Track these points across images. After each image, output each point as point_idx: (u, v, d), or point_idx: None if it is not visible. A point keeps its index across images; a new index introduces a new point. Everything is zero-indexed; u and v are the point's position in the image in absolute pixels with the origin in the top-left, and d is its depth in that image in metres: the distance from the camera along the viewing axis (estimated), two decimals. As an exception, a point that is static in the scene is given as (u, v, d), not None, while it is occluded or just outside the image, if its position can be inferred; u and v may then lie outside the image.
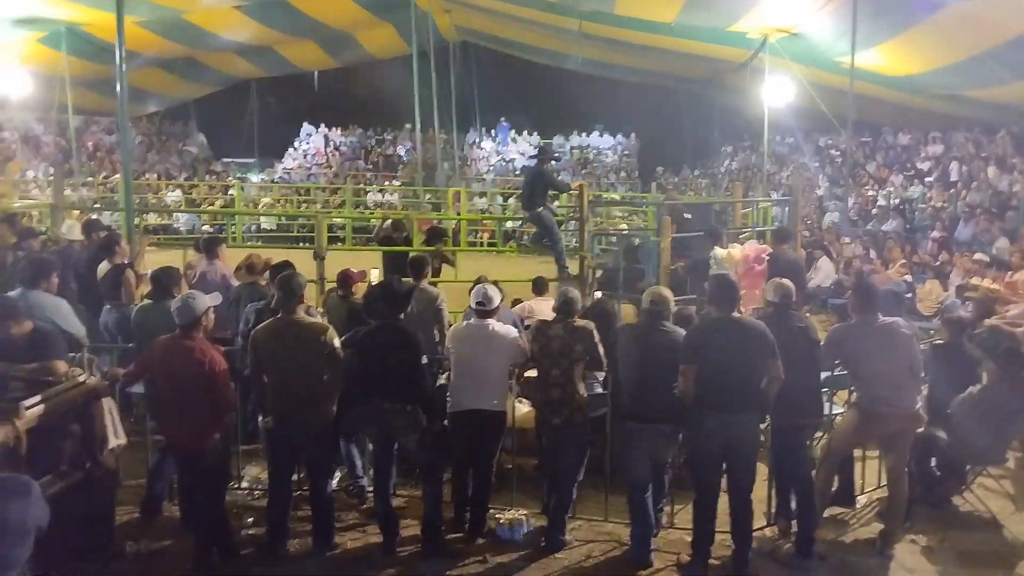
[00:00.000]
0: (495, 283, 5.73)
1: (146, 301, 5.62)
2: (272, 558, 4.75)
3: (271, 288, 5.85)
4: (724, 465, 4.67)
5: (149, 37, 16.64)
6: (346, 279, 6.18)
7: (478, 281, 6.09)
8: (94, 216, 9.95)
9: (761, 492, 5.13)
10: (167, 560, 4.71)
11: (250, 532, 5.07)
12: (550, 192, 9.57)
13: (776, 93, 15.13)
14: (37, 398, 3.90)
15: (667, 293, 4.97)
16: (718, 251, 8.25)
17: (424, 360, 4.86)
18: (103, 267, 6.68)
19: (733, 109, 21.79)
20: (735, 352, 4.48)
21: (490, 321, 5.10)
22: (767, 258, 8.01)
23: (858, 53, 12.03)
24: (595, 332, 4.92)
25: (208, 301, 4.58)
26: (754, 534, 4.84)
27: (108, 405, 4.52)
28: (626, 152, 26.97)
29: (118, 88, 8.60)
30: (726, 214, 11.25)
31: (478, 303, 5.09)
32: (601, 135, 27.75)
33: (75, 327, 5.38)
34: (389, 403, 4.73)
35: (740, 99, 19.00)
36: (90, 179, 19.98)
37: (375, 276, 6.52)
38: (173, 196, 20.59)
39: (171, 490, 5.29)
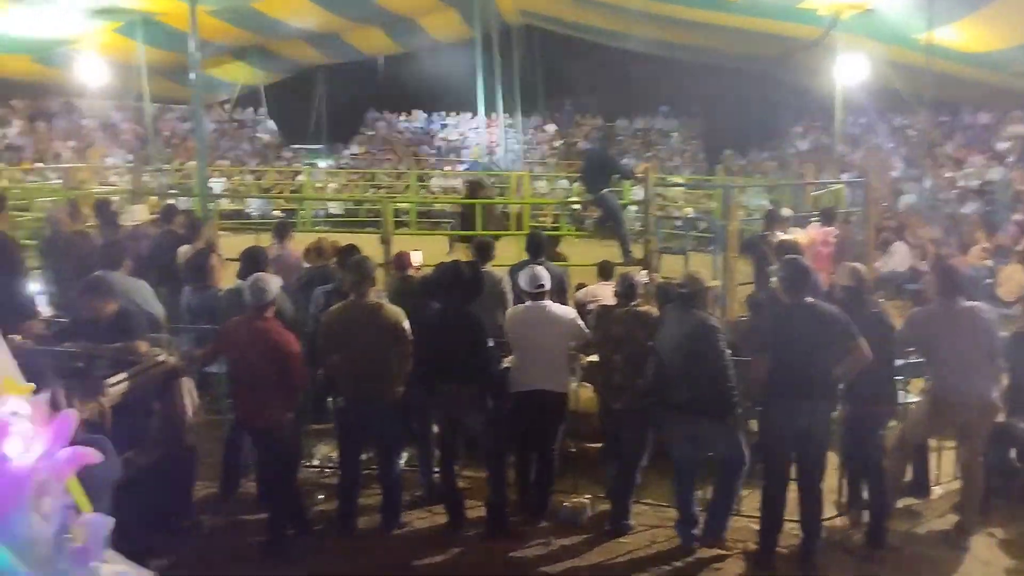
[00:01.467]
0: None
1: (238, 281, 5.76)
2: (342, 534, 4.88)
3: (338, 271, 5.98)
4: (793, 454, 4.59)
5: (220, 25, 17.04)
6: (402, 261, 6.26)
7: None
8: (170, 201, 10.25)
9: (832, 481, 5.03)
10: (243, 534, 4.88)
11: (321, 509, 5.22)
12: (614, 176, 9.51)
13: (849, 72, 14.63)
14: (121, 376, 4.07)
15: (701, 275, 4.88)
16: (781, 236, 8.05)
17: (490, 343, 4.91)
18: (185, 250, 6.86)
19: (803, 89, 21.15)
20: (808, 339, 4.38)
21: (547, 302, 5.13)
22: (834, 240, 7.82)
23: (935, 29, 11.54)
24: (658, 318, 4.88)
25: (278, 283, 4.70)
26: (824, 524, 4.76)
27: (187, 384, 4.70)
28: (691, 134, 26.48)
29: (192, 76, 8.86)
30: (796, 197, 10.97)
31: (537, 286, 5.10)
32: (666, 117, 27.31)
33: (155, 308, 5.59)
34: (455, 386, 4.79)
35: (811, 78, 18.44)
36: (166, 166, 20.62)
37: (417, 258, 6.58)
38: (217, 182, 21.06)
39: (248, 466, 5.47)
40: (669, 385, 4.69)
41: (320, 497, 5.38)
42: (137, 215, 8.04)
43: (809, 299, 4.51)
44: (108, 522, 2.05)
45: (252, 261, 5.56)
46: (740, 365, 4.76)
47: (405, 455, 5.52)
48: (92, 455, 2.05)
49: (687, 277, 4.84)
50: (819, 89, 17.67)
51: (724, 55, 21.58)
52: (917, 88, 13.30)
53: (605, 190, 9.10)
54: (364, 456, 5.22)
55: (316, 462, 5.86)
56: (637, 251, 8.95)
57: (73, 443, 2.63)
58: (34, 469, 1.90)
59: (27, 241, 7.47)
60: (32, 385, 2.00)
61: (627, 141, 25.36)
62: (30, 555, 1.82)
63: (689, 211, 15.03)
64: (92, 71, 17.73)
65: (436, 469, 5.43)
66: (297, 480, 4.97)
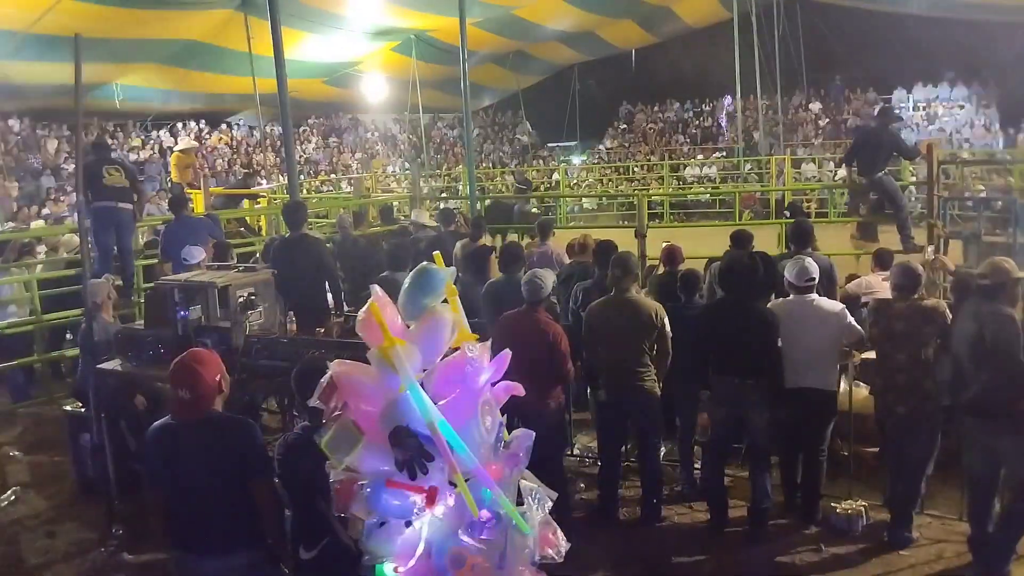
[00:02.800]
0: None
1: (500, 275, 6.12)
2: (603, 524, 5.00)
3: (595, 267, 6.11)
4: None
5: (484, 36, 18.11)
6: (673, 256, 6.19)
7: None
8: (447, 205, 11.09)
9: None
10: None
11: (582, 497, 5.39)
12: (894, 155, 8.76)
13: None
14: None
15: (1007, 264, 4.23)
16: None
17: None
18: (464, 245, 7.38)
19: None
20: None
21: (813, 296, 4.86)
22: None
23: None
24: (948, 313, 4.43)
25: (552, 279, 4.94)
26: None
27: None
28: (984, 102, 23.43)
29: (462, 86, 9.50)
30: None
31: (807, 280, 4.85)
32: (952, 85, 24.42)
33: (435, 304, 6.09)
34: (742, 380, 4.70)
35: None
36: (437, 171, 22.32)
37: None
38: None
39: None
40: (964, 389, 4.23)
41: (581, 486, 5.54)
42: (422, 218, 8.83)
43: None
44: (531, 436, 2.69)
45: (511, 257, 5.85)
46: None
47: (663, 449, 5.53)
48: (520, 388, 2.72)
49: (990, 266, 4.26)
50: None
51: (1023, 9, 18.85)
52: None
53: (882, 172, 8.39)
54: (623, 448, 5.30)
55: (576, 451, 6.05)
56: (919, 237, 8.15)
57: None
58: (481, 392, 2.55)
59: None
60: (477, 336, 2.68)
61: (906, 114, 23.04)
62: (478, 455, 2.47)
63: (981, 189, 13.37)
64: (374, 88, 19.69)
65: (696, 465, 5.38)
66: (563, 467, 5.15)
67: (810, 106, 24.97)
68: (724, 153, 22.98)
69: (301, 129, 22.67)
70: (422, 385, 2.44)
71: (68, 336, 8.21)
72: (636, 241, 8.35)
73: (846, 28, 23.14)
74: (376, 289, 2.62)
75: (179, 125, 19.15)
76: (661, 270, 6.42)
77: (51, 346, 8.06)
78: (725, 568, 4.56)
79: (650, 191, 19.55)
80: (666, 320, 4.81)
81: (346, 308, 6.59)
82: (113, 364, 4.99)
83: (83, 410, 5.43)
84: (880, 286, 6.07)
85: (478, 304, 6.45)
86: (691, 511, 5.15)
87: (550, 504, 2.63)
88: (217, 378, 3.12)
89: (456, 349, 2.58)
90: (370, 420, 2.44)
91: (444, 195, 18.08)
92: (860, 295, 6.19)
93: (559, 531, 2.67)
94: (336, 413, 2.52)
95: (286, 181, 9.71)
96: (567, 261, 7.05)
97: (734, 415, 4.81)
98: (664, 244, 6.36)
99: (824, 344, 4.80)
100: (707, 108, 26.69)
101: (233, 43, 14.13)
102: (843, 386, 5.13)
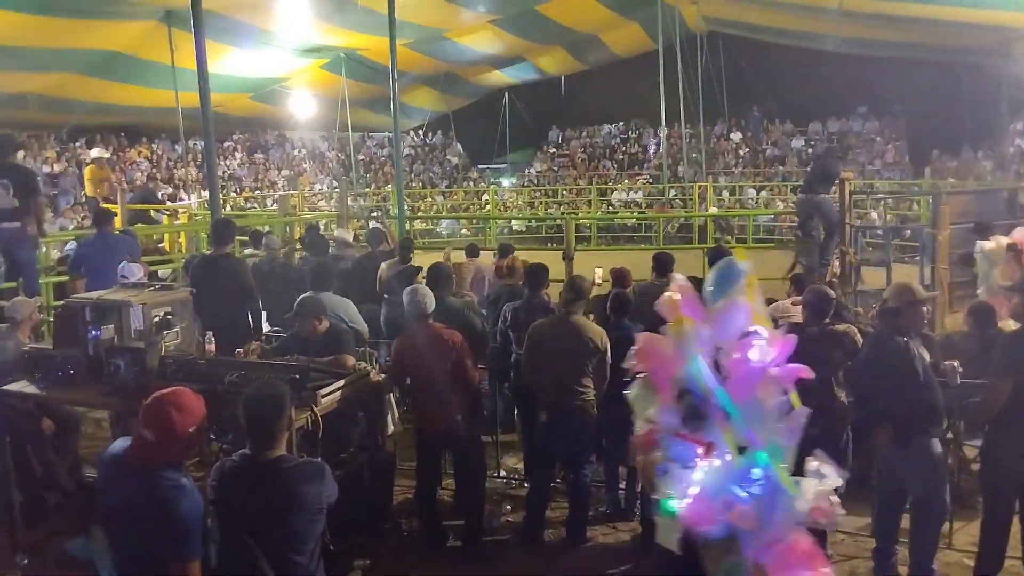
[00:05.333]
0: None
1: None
2: (529, 545, 4.98)
3: (525, 289, 6.15)
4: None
5: (415, 57, 18.11)
6: (623, 276, 6.25)
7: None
8: (377, 225, 10.99)
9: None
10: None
11: (509, 519, 5.36)
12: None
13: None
14: (332, 387, 4.42)
15: (911, 286, 4.41)
16: (984, 244, 7.34)
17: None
18: (391, 265, 7.30)
19: (1022, 81, 19.11)
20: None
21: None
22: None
23: None
24: (859, 337, 4.60)
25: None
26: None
27: (387, 395, 5.03)
28: (894, 136, 24.64)
29: (391, 106, 9.48)
30: (1015, 201, 9.92)
31: None
32: (865, 118, 25.61)
33: (360, 324, 6.02)
34: None
35: (1034, 69, 16.66)
36: (366, 190, 22.13)
37: (599, 274, 6.57)
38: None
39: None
40: (871, 409, 4.40)
41: (507, 508, 5.51)
42: (349, 237, 8.73)
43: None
44: (805, 412, 2.93)
45: (439, 276, 5.83)
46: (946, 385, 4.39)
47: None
48: (806, 371, 2.98)
49: (893, 289, 4.42)
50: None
51: (930, 49, 19.98)
52: None
53: (824, 193, 8.86)
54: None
55: (503, 473, 6.03)
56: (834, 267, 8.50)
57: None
58: (764, 370, 2.90)
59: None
60: (772, 322, 3.06)
61: (820, 146, 24.03)
62: (757, 424, 2.83)
63: (891, 219, 14.04)
64: (302, 105, 19.44)
65: (621, 486, 5.43)
66: (483, 490, 5.10)
67: (731, 136, 25.79)
68: (650, 179, 23.52)
69: (225, 144, 22.16)
70: (718, 361, 2.91)
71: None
72: (564, 263, 8.45)
73: (765, 62, 24.05)
74: (677, 277, 3.14)
75: (97, 137, 18.48)
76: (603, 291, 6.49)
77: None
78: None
79: (578, 215, 19.82)
80: (609, 346, 4.87)
81: (268, 328, 6.45)
82: (19, 385, 4.75)
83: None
84: (795, 310, 6.27)
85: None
86: (615, 531, 5.19)
87: (837, 483, 2.85)
88: (191, 430, 2.88)
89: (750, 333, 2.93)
90: (665, 382, 2.94)
91: (374, 214, 17.94)
92: (776, 318, 6.38)
93: (836, 504, 2.86)
94: (642, 374, 3.01)
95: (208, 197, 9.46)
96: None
97: None
98: (597, 268, 6.45)
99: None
100: (633, 135, 27.29)
101: (156, 55, 13.76)
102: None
